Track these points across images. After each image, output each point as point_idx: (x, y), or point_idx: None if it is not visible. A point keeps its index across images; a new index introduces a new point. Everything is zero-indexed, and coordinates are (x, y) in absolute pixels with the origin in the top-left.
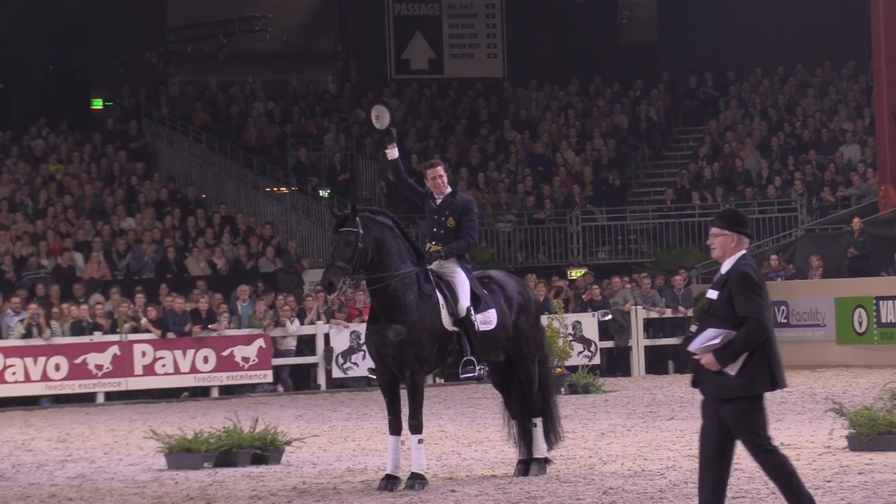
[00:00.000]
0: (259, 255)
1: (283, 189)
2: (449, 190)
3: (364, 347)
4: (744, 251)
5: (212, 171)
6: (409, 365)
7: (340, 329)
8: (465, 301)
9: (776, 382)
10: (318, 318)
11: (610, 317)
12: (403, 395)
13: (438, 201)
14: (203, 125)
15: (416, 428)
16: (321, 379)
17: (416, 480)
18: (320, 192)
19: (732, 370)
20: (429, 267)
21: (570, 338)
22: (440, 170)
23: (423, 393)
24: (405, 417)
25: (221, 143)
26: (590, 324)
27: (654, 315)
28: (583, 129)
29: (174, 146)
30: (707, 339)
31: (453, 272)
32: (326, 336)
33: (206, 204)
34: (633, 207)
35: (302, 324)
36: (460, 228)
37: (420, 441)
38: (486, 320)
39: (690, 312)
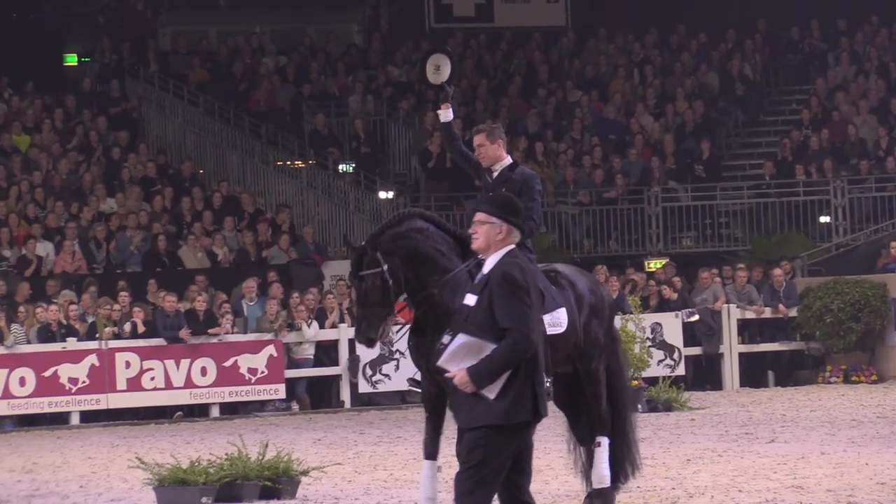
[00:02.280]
0: (269, 244)
1: (299, 163)
2: (508, 161)
3: (396, 356)
4: (512, 246)
5: (211, 142)
6: None
7: None
8: None
9: (538, 410)
10: (342, 321)
11: (697, 317)
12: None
13: (494, 175)
14: (200, 85)
15: None
16: (345, 394)
17: None
18: (343, 166)
19: (491, 393)
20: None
21: (649, 343)
22: (479, 138)
23: None
24: (444, 441)
25: (223, 107)
26: (672, 326)
27: (750, 315)
28: (663, 90)
29: (165, 111)
30: (456, 352)
31: None
32: (351, 342)
33: (204, 181)
34: (724, 184)
35: (322, 327)
36: None
37: None
38: (556, 322)
39: (794, 312)
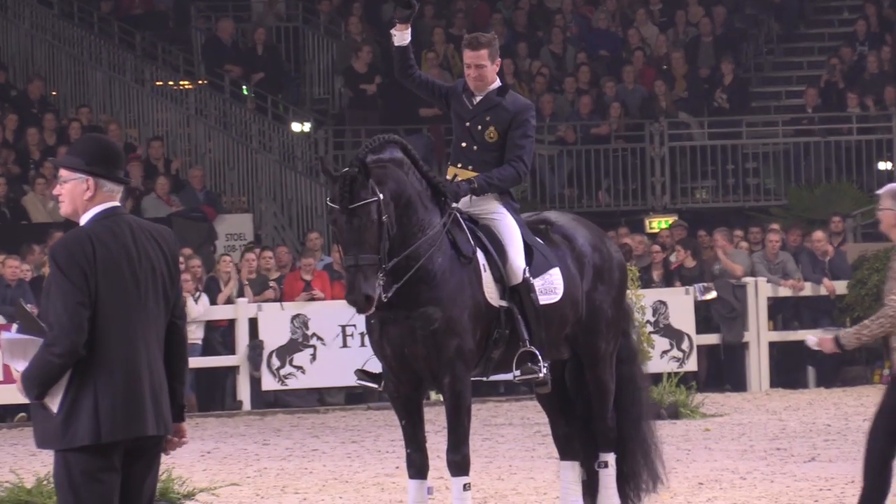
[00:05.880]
0: (144, 191)
1: (185, 83)
2: (497, 84)
3: (312, 343)
4: (108, 205)
5: (68, 54)
6: (448, 367)
7: (276, 311)
8: (517, 259)
9: (100, 431)
10: (240, 294)
11: (714, 294)
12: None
13: (476, 100)
14: None
15: (461, 466)
16: (244, 393)
17: None
18: (245, 88)
19: (53, 405)
20: (455, 205)
21: (650, 328)
22: (480, 56)
23: (471, 410)
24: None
25: (84, 8)
26: (681, 306)
27: (785, 292)
28: None
29: (7, 13)
30: (10, 349)
31: (494, 212)
32: (253, 322)
33: (58, 106)
34: (752, 118)
35: (213, 302)
36: (507, 148)
37: (466, 487)
38: (548, 287)
39: (843, 288)
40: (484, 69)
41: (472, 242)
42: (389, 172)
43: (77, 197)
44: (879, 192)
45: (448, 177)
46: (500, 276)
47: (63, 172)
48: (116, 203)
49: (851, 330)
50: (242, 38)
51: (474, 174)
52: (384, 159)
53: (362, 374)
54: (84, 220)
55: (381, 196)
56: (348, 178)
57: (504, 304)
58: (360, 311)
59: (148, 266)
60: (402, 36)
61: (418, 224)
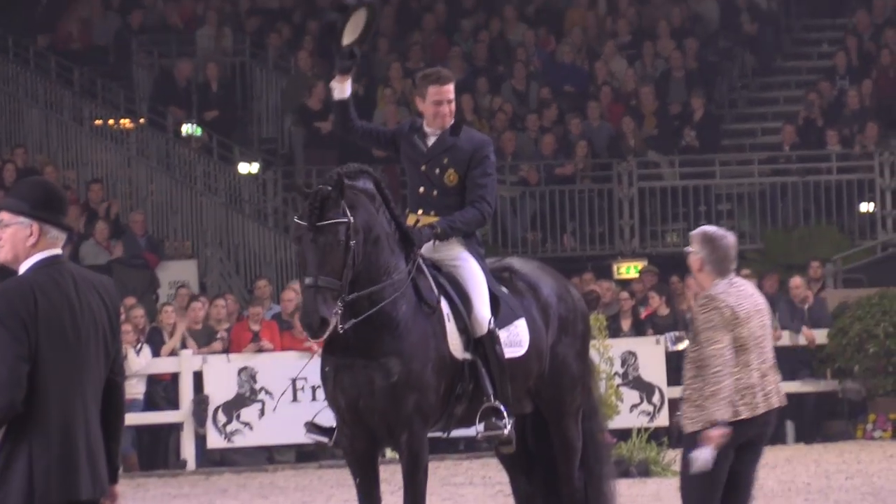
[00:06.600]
0: (81, 236)
1: (126, 122)
2: (450, 122)
3: (261, 398)
4: (51, 252)
5: (2, 92)
6: (406, 424)
7: (223, 364)
8: (483, 309)
9: (34, 495)
10: (184, 346)
11: (687, 344)
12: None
13: (430, 141)
14: None
15: None
16: (188, 450)
17: None
18: (187, 127)
19: None
20: (419, 252)
21: (618, 381)
22: (449, 90)
23: (428, 469)
24: None
25: (19, 42)
26: (652, 356)
27: None
28: (640, 23)
29: None
30: None
31: (456, 259)
32: (198, 376)
33: None
34: (725, 157)
35: (156, 354)
36: (468, 188)
37: None
38: (514, 340)
39: (824, 338)
40: (452, 103)
41: (435, 290)
42: (362, 202)
43: (19, 242)
44: (692, 232)
45: (409, 223)
46: (465, 327)
47: (4, 216)
48: (59, 251)
49: (707, 407)
50: (191, 76)
51: (433, 218)
52: (357, 188)
53: (312, 427)
54: (24, 267)
55: (352, 219)
56: (320, 195)
57: (468, 356)
58: (313, 335)
59: (90, 319)
60: (341, 89)
61: (384, 266)
